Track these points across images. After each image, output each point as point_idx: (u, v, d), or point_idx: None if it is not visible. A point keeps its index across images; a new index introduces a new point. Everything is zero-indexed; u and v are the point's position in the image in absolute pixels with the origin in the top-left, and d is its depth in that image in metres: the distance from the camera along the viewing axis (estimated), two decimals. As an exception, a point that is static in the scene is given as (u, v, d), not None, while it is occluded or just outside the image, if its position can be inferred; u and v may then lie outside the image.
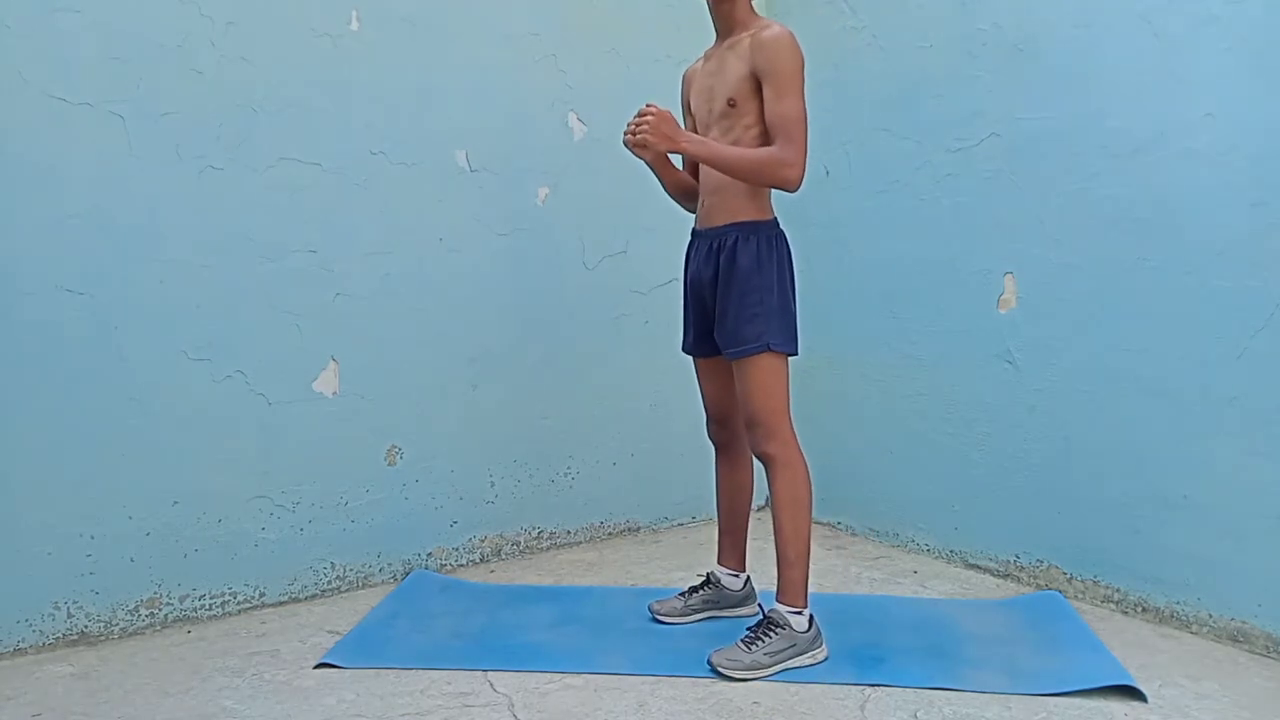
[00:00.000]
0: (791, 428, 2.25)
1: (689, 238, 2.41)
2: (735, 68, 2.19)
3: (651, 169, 2.34)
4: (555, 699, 2.05)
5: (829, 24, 3.27)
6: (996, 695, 2.05)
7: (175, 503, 2.49)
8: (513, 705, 2.01)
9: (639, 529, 3.32)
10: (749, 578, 2.55)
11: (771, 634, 2.18)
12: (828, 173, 3.31)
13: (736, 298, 2.21)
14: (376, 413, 2.78)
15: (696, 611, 2.51)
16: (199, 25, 2.45)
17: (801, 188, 2.16)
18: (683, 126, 2.36)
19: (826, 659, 2.21)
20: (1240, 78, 2.27)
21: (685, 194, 2.42)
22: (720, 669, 2.14)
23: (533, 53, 3.00)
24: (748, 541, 2.56)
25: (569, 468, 3.18)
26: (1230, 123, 2.29)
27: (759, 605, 2.32)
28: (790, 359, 2.27)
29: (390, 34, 2.74)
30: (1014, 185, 2.75)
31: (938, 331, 2.99)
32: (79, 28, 2.30)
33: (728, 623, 2.45)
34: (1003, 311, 2.81)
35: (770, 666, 2.15)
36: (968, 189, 2.87)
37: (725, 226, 2.25)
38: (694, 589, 2.54)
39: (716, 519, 2.59)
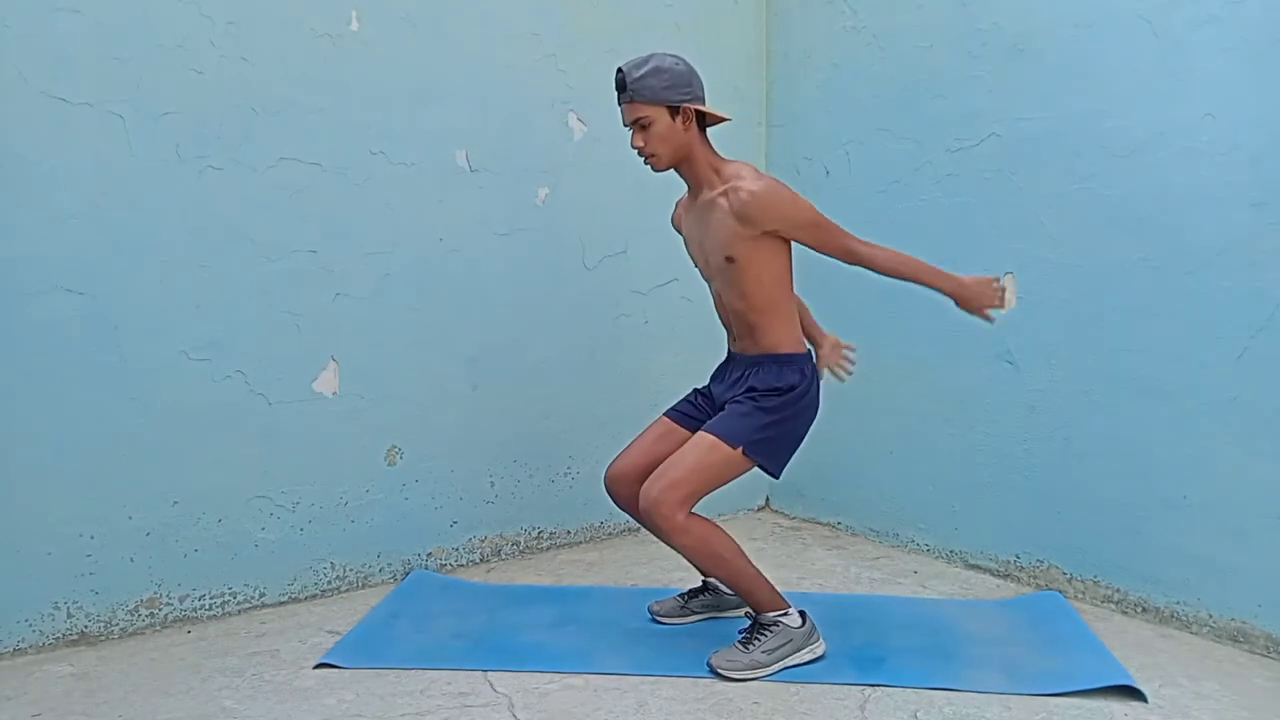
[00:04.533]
0: (685, 514, 2.14)
1: (724, 356, 2.42)
2: (723, 225, 2.19)
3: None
4: (555, 699, 2.05)
5: (829, 24, 3.27)
6: (996, 695, 2.05)
7: (175, 503, 2.49)
8: (513, 705, 2.01)
9: (639, 529, 3.32)
10: None
11: (766, 633, 2.18)
12: (828, 173, 3.31)
13: (748, 396, 2.23)
14: (376, 413, 2.78)
15: (695, 614, 2.51)
16: (199, 25, 2.45)
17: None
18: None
19: (825, 653, 2.21)
20: (1240, 78, 2.27)
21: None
22: (720, 670, 2.13)
23: (533, 53, 3.00)
24: (741, 541, 2.55)
25: (569, 468, 3.18)
26: (1230, 123, 2.29)
27: (747, 611, 2.32)
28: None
29: (390, 34, 2.74)
30: (1014, 185, 2.75)
31: (938, 331, 2.99)
32: (79, 28, 2.30)
33: (729, 623, 2.44)
34: (1003, 311, 2.80)
35: (769, 665, 2.15)
36: (968, 189, 2.87)
37: (761, 355, 2.27)
38: (693, 593, 2.54)
39: None
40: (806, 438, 2.32)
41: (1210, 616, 2.38)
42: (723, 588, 2.52)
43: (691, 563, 2.22)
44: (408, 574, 2.84)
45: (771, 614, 2.21)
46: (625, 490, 2.35)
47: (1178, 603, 2.44)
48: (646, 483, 2.17)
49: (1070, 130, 2.60)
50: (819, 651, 2.21)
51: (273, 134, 2.57)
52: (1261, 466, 2.26)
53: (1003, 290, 2.29)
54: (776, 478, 2.30)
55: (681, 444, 2.25)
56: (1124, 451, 2.53)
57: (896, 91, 3.06)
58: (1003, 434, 2.82)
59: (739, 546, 2.22)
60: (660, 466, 2.19)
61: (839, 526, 3.37)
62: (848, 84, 3.22)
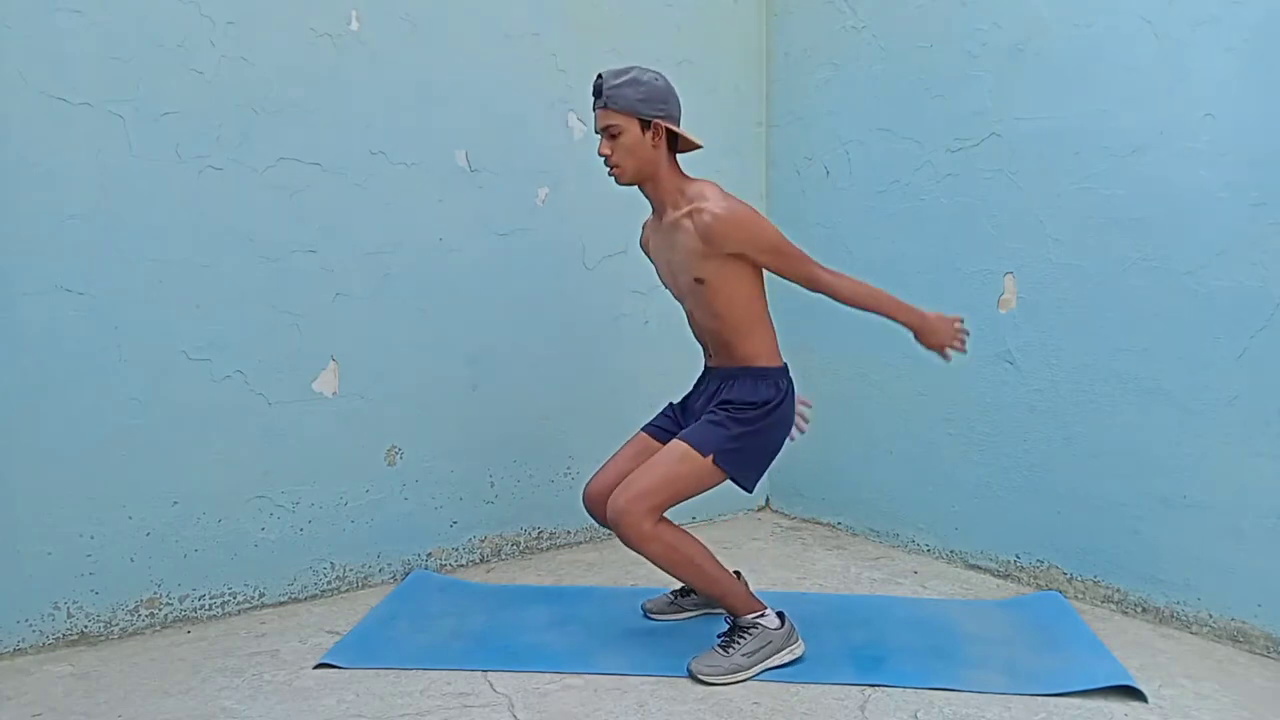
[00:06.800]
0: (652, 523, 2.13)
1: (701, 369, 2.43)
2: (689, 247, 2.18)
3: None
4: (555, 699, 2.05)
5: (829, 24, 3.27)
6: (996, 695, 2.05)
7: (175, 503, 2.49)
8: (513, 705, 2.01)
9: (639, 529, 3.32)
10: (738, 573, 2.54)
11: (745, 636, 2.17)
12: (828, 173, 3.31)
13: (722, 408, 2.23)
14: (376, 413, 2.78)
15: (687, 611, 2.52)
16: (199, 25, 2.45)
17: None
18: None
19: (805, 654, 2.21)
20: (1240, 78, 2.27)
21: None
22: (700, 676, 2.12)
23: (533, 53, 3.00)
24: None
25: (569, 468, 3.18)
26: (1230, 123, 2.29)
27: (726, 618, 2.28)
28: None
29: (390, 34, 2.74)
30: (1014, 185, 2.75)
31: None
32: (79, 28, 2.30)
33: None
34: (1003, 311, 2.81)
35: (750, 668, 2.14)
36: (968, 189, 2.87)
37: (736, 369, 2.27)
38: (685, 590, 2.55)
39: None
40: (778, 453, 2.30)
41: (1210, 616, 2.38)
42: None
43: (662, 569, 2.20)
44: (408, 574, 2.84)
45: (749, 616, 2.20)
46: (603, 508, 2.30)
47: (1178, 603, 2.44)
48: (615, 492, 2.16)
49: (1070, 130, 2.60)
50: (799, 652, 2.21)
51: (273, 134, 2.57)
52: (1261, 466, 2.27)
53: (964, 332, 2.29)
54: (749, 491, 2.28)
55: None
56: (1124, 451, 2.53)
57: (896, 91, 3.06)
58: (1003, 434, 2.82)
59: (709, 552, 2.20)
60: (630, 475, 2.18)
61: (839, 526, 3.37)
62: (848, 84, 3.22)
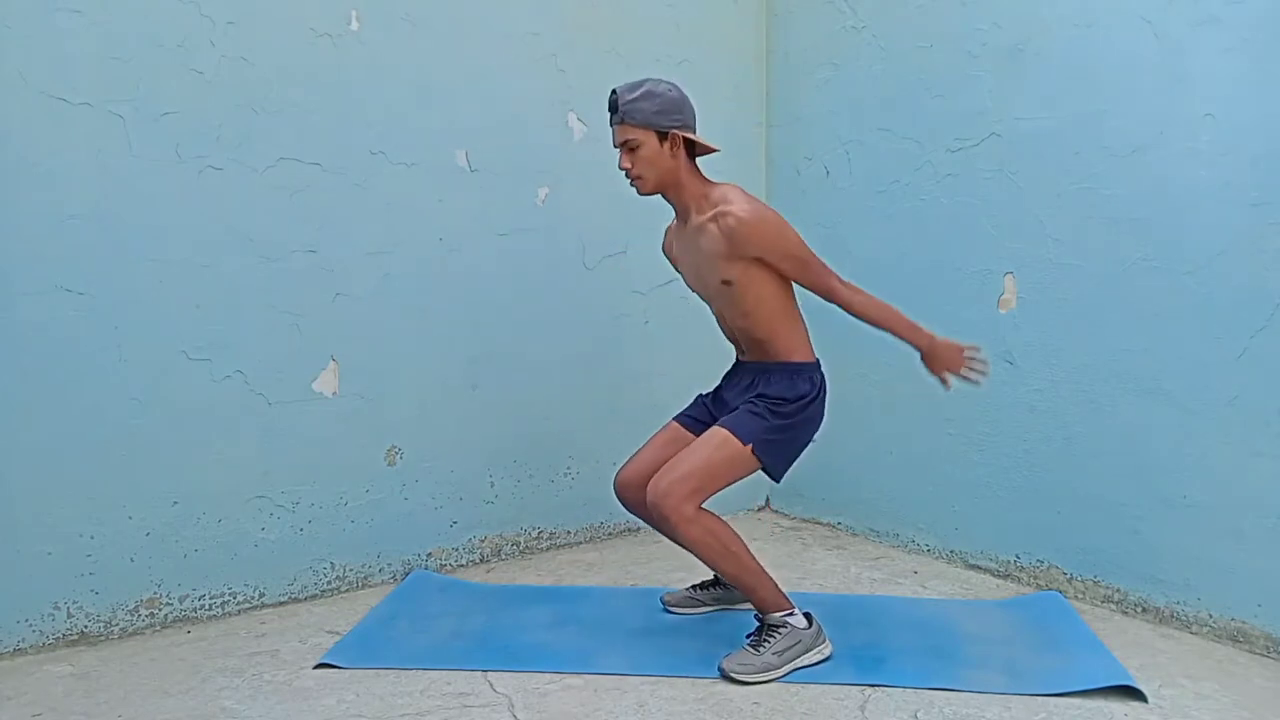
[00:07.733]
0: (694, 507, 2.14)
1: (733, 363, 2.45)
2: (714, 250, 2.20)
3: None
4: (555, 699, 2.05)
5: (829, 24, 3.27)
6: (996, 695, 2.05)
7: (175, 503, 2.49)
8: (513, 705, 2.01)
9: (639, 529, 3.32)
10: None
11: (775, 635, 2.18)
12: (828, 173, 3.31)
13: (757, 398, 2.25)
14: (376, 413, 2.78)
15: (705, 605, 2.54)
16: (199, 25, 2.45)
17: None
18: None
19: (832, 654, 2.21)
20: (1240, 78, 2.27)
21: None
22: (733, 675, 2.12)
23: (533, 53, 3.00)
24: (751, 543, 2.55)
25: (569, 468, 3.18)
26: (1230, 123, 2.29)
27: (756, 614, 2.32)
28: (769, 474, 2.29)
29: (390, 34, 2.74)
30: (1014, 185, 2.75)
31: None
32: (79, 28, 2.30)
33: (731, 621, 2.45)
34: (1003, 311, 2.81)
35: (781, 667, 2.14)
36: (968, 189, 2.87)
37: (771, 363, 2.29)
38: (704, 585, 2.57)
39: None
40: (809, 445, 2.33)
41: (1210, 616, 2.38)
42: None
43: (699, 557, 2.22)
44: (408, 574, 2.84)
45: (777, 614, 2.20)
46: (636, 495, 2.36)
47: (1178, 603, 2.44)
48: (655, 477, 2.18)
49: (1070, 130, 2.60)
50: (827, 652, 2.21)
51: (273, 134, 2.57)
52: (1261, 466, 2.27)
53: (975, 361, 2.29)
54: (778, 481, 2.32)
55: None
56: (1124, 451, 2.53)
57: (896, 91, 3.06)
58: (1003, 434, 2.82)
59: (745, 544, 2.22)
60: (669, 461, 2.21)
61: (839, 526, 3.37)
62: (848, 84, 3.22)
